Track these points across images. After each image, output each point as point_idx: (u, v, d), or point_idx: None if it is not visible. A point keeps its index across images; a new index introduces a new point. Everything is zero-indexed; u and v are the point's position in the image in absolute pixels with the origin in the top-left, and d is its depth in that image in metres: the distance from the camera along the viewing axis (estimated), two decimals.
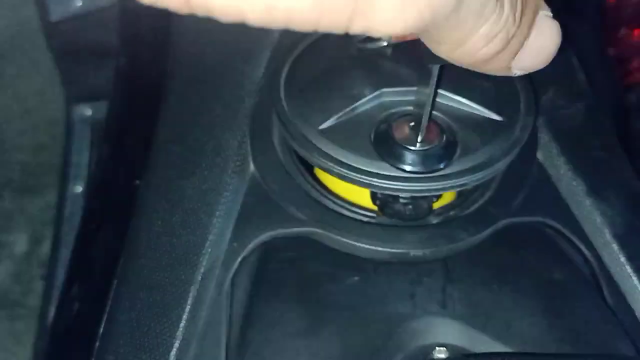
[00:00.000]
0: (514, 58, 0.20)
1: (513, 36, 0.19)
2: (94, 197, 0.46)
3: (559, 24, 0.21)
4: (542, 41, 0.20)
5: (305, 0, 0.15)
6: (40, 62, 1.19)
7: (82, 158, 0.79)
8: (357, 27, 0.16)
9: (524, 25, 0.19)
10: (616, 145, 0.39)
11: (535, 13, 0.20)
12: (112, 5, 0.70)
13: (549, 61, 0.21)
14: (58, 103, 0.88)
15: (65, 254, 0.73)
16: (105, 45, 0.69)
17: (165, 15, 0.44)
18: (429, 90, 0.29)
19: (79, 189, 0.77)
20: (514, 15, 0.19)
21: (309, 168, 0.36)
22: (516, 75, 0.21)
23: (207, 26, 0.41)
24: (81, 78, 0.77)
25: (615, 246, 0.35)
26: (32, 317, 0.93)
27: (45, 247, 1.09)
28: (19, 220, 1.13)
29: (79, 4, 0.72)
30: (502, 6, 0.18)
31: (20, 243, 1.12)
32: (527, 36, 0.20)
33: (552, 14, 0.21)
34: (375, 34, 0.16)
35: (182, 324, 0.32)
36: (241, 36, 0.41)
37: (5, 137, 1.20)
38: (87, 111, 0.81)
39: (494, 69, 0.20)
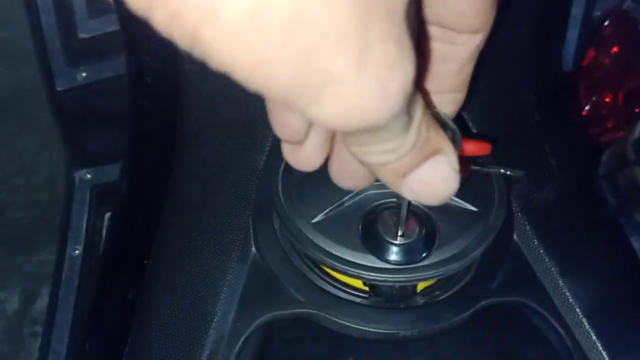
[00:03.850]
0: (401, 178, 0.22)
1: (404, 156, 0.21)
2: (106, 268, 0.48)
3: (456, 178, 0.22)
4: (431, 179, 0.22)
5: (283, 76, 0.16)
6: (38, 121, 1.23)
7: (80, 221, 0.81)
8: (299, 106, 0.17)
9: (418, 154, 0.21)
10: (585, 227, 0.43)
11: (433, 152, 0.22)
12: (116, 76, 0.74)
13: (439, 201, 0.22)
14: (53, 162, 0.90)
15: (61, 316, 0.74)
16: (109, 112, 0.73)
17: (174, 86, 0.47)
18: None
19: (77, 251, 0.79)
20: (414, 141, 0.20)
21: None
22: (404, 196, 0.22)
23: (213, 105, 0.45)
24: (84, 144, 0.80)
25: (586, 324, 0.38)
26: None
27: (38, 305, 1.09)
28: (12, 277, 1.14)
29: (84, 74, 0.76)
30: (408, 130, 0.20)
31: (12, 301, 1.12)
32: (416, 166, 0.21)
33: (455, 167, 0.22)
34: (316, 122, 0.17)
35: None
36: (244, 124, 0.44)
37: (0, 193, 1.22)
38: (87, 175, 0.83)
39: (383, 176, 0.22)
